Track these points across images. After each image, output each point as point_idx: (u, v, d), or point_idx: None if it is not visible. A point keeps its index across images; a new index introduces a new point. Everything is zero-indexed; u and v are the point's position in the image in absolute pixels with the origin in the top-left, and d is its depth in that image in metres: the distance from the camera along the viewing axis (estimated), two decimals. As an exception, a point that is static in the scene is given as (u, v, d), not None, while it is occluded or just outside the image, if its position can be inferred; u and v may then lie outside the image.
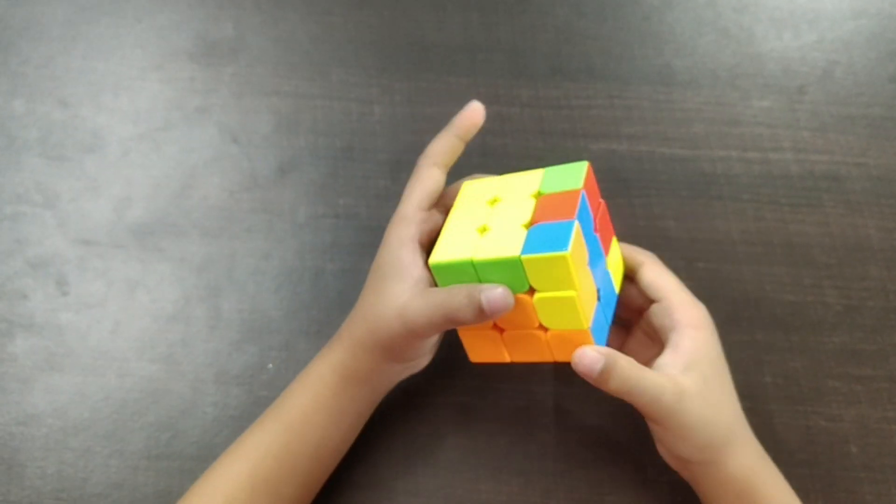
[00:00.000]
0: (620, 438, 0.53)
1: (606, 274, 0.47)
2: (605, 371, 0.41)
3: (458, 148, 0.49)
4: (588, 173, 0.45)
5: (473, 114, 0.48)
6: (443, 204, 0.49)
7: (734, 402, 0.46)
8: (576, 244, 0.41)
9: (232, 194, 0.61)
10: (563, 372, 0.48)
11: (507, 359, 0.47)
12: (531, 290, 0.43)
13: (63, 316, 0.56)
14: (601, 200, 0.47)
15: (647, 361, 0.45)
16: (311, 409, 0.47)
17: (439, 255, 0.44)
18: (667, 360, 0.44)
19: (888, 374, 0.55)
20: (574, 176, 0.45)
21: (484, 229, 0.45)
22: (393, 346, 0.46)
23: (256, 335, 0.56)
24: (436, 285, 0.45)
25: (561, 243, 0.41)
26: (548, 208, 0.44)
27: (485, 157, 0.62)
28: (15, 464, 0.52)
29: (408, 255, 0.45)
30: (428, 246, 0.47)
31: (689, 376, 0.43)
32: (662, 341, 0.46)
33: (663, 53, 0.67)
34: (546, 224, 0.43)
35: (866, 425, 0.54)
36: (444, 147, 0.48)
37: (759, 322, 0.57)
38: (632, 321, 0.51)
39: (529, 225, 0.43)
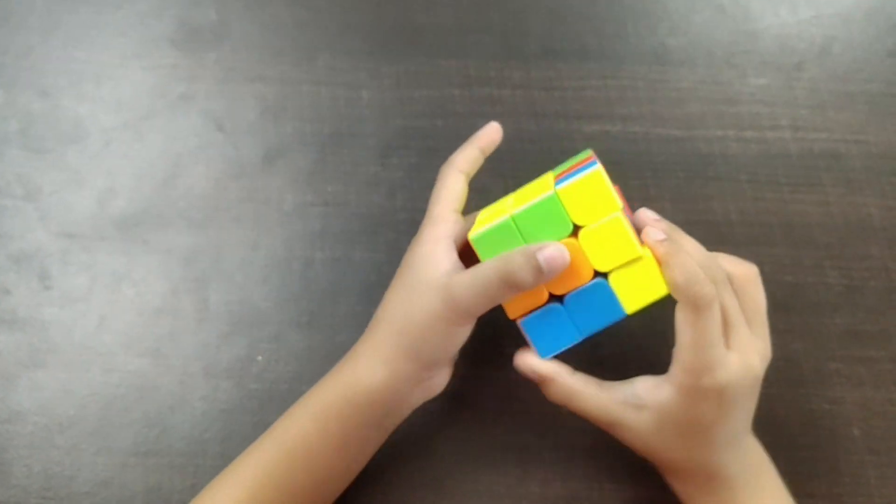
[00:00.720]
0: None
1: None
2: (542, 386, 0.46)
3: (480, 160, 0.49)
4: (592, 155, 0.46)
5: (494, 132, 0.49)
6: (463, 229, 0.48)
7: (691, 455, 0.45)
8: (603, 170, 0.42)
9: (218, 183, 0.59)
10: (561, 359, 0.47)
11: (545, 298, 0.45)
12: (575, 233, 0.43)
13: (47, 311, 0.55)
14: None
15: None
16: (316, 438, 0.45)
17: (478, 230, 0.44)
18: (641, 383, 0.44)
19: (891, 356, 0.55)
20: (581, 155, 0.47)
21: (515, 203, 0.45)
22: (430, 336, 0.44)
23: (245, 327, 0.55)
24: None
25: (589, 168, 0.42)
26: (566, 174, 0.44)
27: (476, 141, 0.61)
28: (1, 462, 0.51)
29: (442, 250, 0.45)
30: (460, 249, 0.46)
31: (639, 415, 0.44)
32: None
33: (657, 32, 0.65)
34: (570, 172, 0.43)
35: (870, 408, 0.53)
36: (467, 156, 0.48)
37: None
38: None
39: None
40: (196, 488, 0.47)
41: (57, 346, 0.54)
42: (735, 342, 0.43)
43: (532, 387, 0.52)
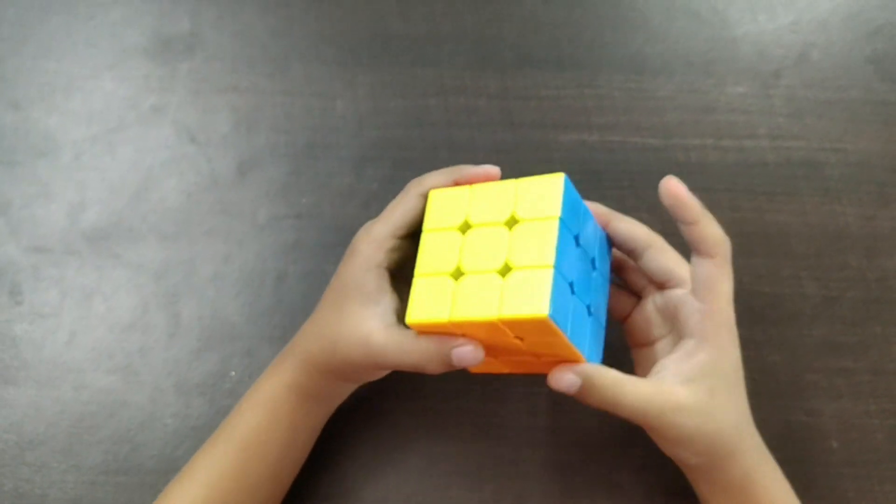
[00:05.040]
0: (595, 442, 0.52)
1: (599, 284, 0.45)
2: (583, 391, 0.41)
3: None
4: (565, 190, 0.41)
5: (486, 177, 0.44)
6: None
7: (740, 410, 0.44)
8: (556, 295, 0.39)
9: (190, 196, 0.59)
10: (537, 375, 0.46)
11: (504, 370, 0.47)
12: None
13: (17, 327, 0.55)
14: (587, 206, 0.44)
15: (654, 341, 0.46)
16: (267, 427, 0.46)
17: (416, 314, 0.42)
18: (673, 365, 0.43)
19: (869, 367, 0.54)
20: (549, 196, 0.41)
21: (458, 272, 0.42)
22: (351, 372, 0.47)
23: (217, 342, 0.55)
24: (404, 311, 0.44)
25: (539, 299, 0.38)
26: (523, 243, 0.41)
27: (452, 152, 0.60)
28: (-30, 481, 0.50)
29: (373, 280, 0.44)
30: (394, 272, 0.46)
31: (691, 388, 0.42)
32: (677, 328, 0.44)
33: (634, 40, 0.65)
34: (522, 272, 0.40)
35: (847, 420, 0.52)
36: (442, 186, 0.45)
37: (736, 315, 0.53)
38: (641, 291, 0.48)
39: (504, 269, 0.40)
40: (167, 507, 0.46)
41: (27, 362, 0.54)
42: None
43: (506, 400, 0.52)
